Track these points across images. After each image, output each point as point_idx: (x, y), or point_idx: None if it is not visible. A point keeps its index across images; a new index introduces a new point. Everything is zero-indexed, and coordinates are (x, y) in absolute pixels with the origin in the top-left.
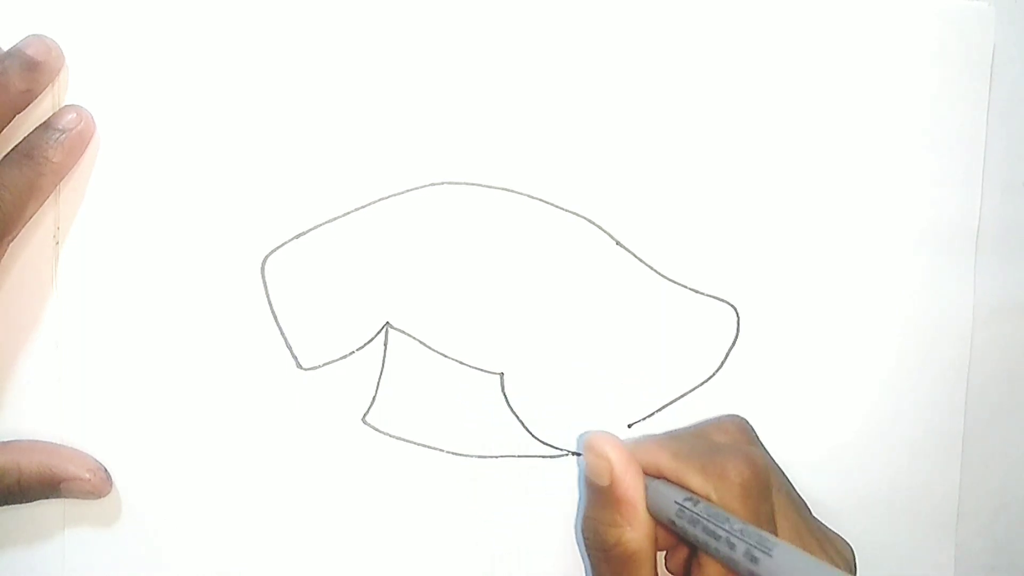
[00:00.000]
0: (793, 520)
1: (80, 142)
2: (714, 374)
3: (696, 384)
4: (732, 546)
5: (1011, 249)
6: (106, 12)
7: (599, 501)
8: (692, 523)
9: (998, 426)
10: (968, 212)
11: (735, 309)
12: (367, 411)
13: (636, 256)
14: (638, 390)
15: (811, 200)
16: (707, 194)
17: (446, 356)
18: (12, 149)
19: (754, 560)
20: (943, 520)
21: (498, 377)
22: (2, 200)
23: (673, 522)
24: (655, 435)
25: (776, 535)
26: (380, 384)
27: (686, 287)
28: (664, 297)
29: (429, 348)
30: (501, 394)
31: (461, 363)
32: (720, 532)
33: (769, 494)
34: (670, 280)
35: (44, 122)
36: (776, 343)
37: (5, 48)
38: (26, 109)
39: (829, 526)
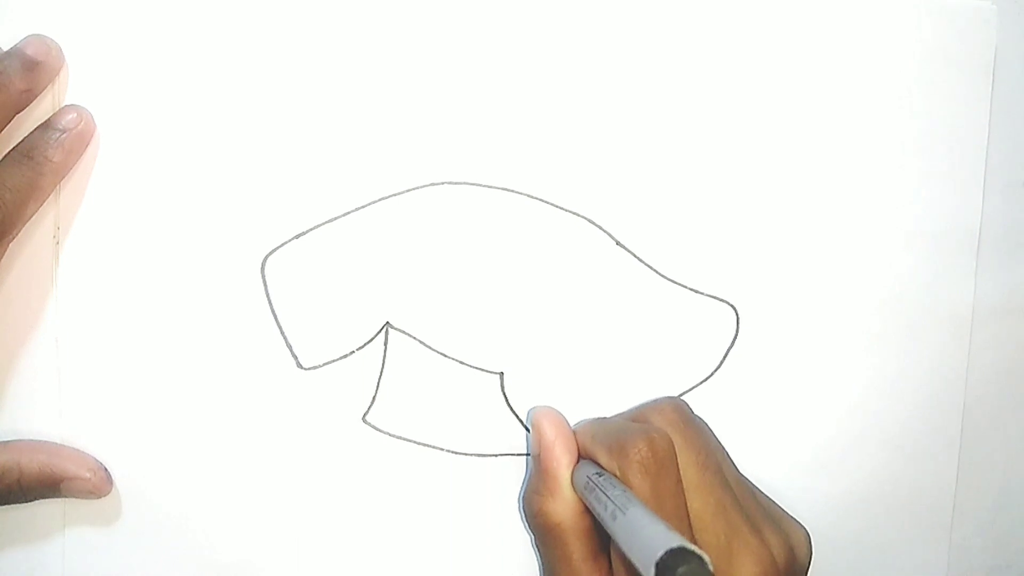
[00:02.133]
0: (717, 496)
1: (80, 142)
2: (713, 373)
3: (695, 383)
4: (606, 508)
5: (1012, 249)
6: (106, 12)
7: (533, 471)
8: (590, 491)
9: (997, 426)
10: (969, 212)
11: (734, 309)
12: (367, 411)
13: (636, 256)
14: (638, 389)
15: (811, 200)
16: (707, 194)
17: (446, 356)
18: (12, 149)
19: (614, 518)
20: (939, 520)
21: (498, 377)
22: (2, 200)
23: (584, 495)
24: (593, 418)
25: (686, 509)
26: (380, 384)
27: (686, 287)
28: (664, 297)
29: (429, 348)
30: (501, 394)
31: (461, 363)
32: (602, 497)
33: (673, 471)
34: (670, 280)
35: (44, 122)
36: (775, 343)
37: (5, 48)
38: (26, 109)
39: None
